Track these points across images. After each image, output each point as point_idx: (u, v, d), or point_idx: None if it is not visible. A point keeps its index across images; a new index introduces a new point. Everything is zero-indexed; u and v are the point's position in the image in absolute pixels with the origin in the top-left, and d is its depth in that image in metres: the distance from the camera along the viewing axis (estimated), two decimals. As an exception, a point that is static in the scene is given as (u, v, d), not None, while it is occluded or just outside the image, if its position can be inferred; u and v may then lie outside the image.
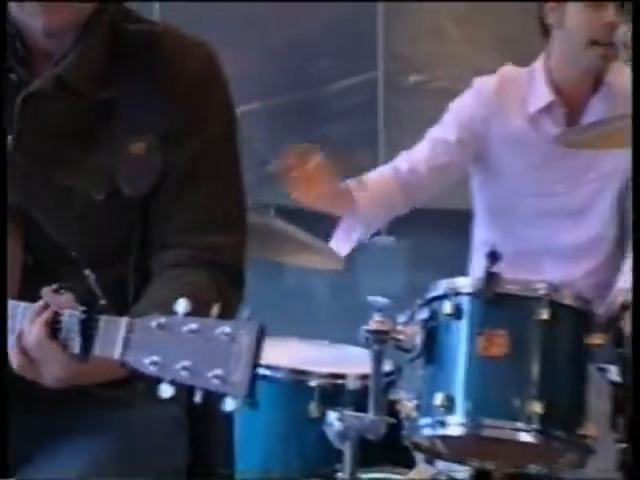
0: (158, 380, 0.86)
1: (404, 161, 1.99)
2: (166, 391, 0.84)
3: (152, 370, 0.84)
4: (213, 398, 0.86)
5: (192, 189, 1.20)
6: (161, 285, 1.14)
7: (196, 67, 1.24)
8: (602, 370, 1.61)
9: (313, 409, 1.73)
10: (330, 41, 3.03)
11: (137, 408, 1.29)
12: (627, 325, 1.63)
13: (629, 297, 1.60)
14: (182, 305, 0.84)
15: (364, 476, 1.66)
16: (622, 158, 1.86)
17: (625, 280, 1.81)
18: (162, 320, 0.84)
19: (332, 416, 1.58)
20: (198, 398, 0.84)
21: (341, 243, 1.87)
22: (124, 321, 0.93)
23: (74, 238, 1.20)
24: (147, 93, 1.22)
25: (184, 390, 0.89)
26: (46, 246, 1.19)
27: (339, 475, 1.62)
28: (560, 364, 1.53)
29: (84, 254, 1.17)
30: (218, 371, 0.80)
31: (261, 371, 1.52)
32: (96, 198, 1.17)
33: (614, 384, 1.61)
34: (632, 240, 1.60)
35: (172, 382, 0.84)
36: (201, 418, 1.37)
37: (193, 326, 0.81)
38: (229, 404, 0.83)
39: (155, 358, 0.83)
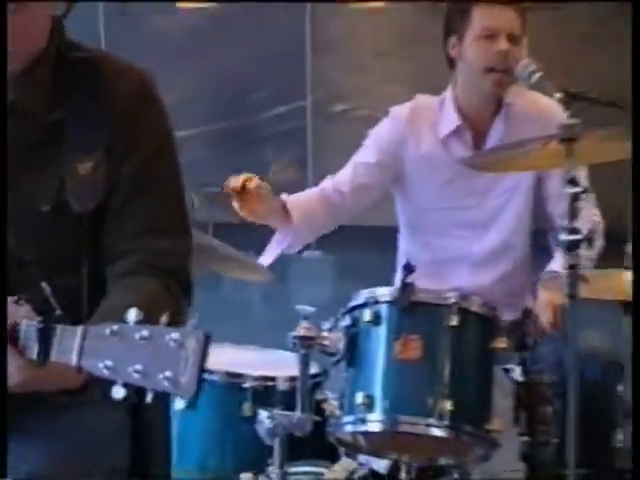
0: (111, 382, 0.93)
1: (330, 183, 2.11)
2: (118, 392, 0.90)
3: (106, 373, 0.90)
4: (160, 400, 0.95)
5: (137, 201, 1.27)
6: (115, 294, 1.20)
7: (132, 90, 1.31)
8: (506, 371, 1.77)
9: (246, 409, 1.83)
10: (263, 72, 3.16)
11: (85, 412, 1.35)
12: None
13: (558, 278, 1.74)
14: (133, 314, 0.91)
15: (292, 470, 1.75)
16: (524, 175, 2.07)
17: (556, 264, 1.95)
18: (115, 327, 0.91)
19: (263, 415, 1.68)
20: (149, 398, 0.91)
21: (272, 252, 2.00)
22: (79, 329, 1.00)
23: (28, 249, 1.25)
24: (91, 115, 1.29)
25: (134, 392, 0.97)
26: (8, 257, 1.24)
27: (269, 469, 1.72)
28: (468, 366, 1.66)
29: (38, 264, 1.23)
30: (168, 373, 0.87)
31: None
32: (43, 210, 1.24)
33: (517, 383, 1.75)
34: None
35: (125, 384, 0.90)
36: (142, 421, 1.43)
37: (144, 333, 0.88)
38: (178, 404, 0.92)
39: (109, 363, 0.90)
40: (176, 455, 1.64)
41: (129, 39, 3.08)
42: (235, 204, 1.90)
